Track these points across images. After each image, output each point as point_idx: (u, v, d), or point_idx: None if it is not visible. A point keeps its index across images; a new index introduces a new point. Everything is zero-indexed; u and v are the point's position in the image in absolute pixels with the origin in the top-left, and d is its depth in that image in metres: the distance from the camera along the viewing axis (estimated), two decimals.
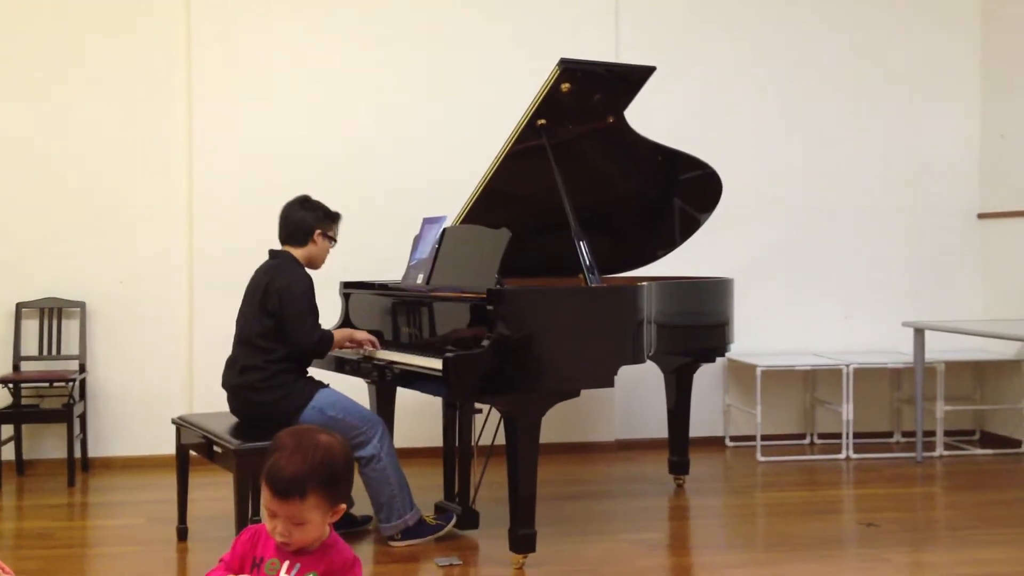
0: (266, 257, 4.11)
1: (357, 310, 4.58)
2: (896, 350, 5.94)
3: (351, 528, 4.20)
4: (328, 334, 4.01)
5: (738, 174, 5.50)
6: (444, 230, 4.32)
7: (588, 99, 4.26)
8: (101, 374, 5.50)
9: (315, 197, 4.15)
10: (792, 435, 6.08)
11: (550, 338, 3.69)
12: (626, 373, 4.00)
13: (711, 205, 4.82)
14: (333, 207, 4.16)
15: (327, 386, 4.02)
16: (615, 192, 4.76)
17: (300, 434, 2.00)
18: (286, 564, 1.97)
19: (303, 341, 3.90)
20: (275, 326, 3.90)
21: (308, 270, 4.04)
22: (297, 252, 4.05)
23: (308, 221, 4.05)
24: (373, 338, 4.18)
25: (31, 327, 5.41)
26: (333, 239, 4.14)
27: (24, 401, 5.20)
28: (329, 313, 4.58)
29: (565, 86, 4.09)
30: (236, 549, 2.04)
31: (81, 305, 5.43)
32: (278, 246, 4.10)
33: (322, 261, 4.14)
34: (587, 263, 4.02)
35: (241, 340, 4.00)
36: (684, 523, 4.62)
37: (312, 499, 1.93)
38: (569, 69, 4.03)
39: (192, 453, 4.13)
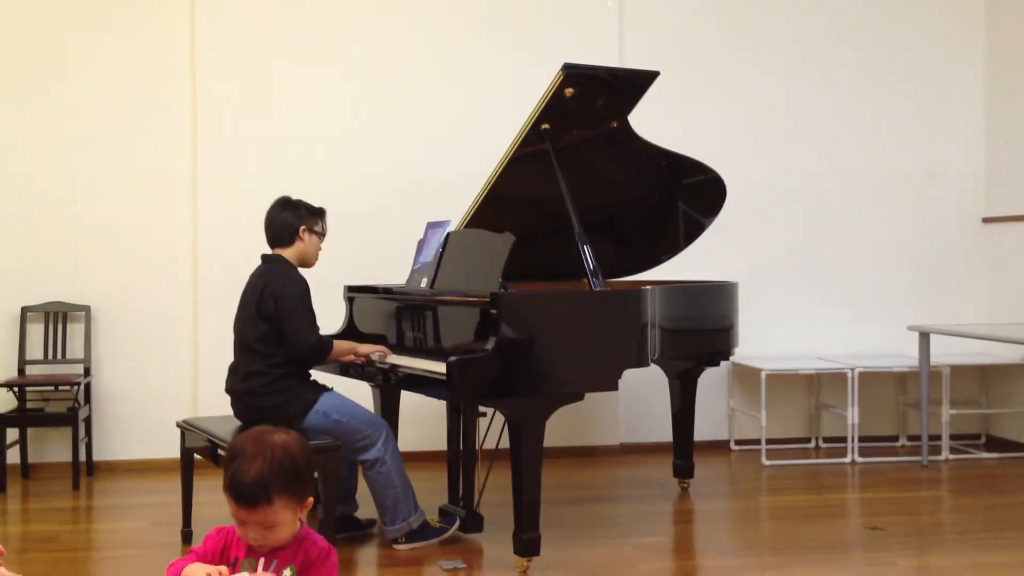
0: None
1: (361, 314, 4.58)
2: (901, 354, 5.93)
3: (355, 532, 4.21)
4: (327, 340, 3.97)
5: (742, 178, 5.50)
6: (448, 234, 4.32)
7: (592, 104, 4.26)
8: (106, 378, 5.51)
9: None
10: (797, 439, 6.07)
11: (553, 342, 3.69)
12: (630, 377, 4.00)
13: (715, 209, 4.81)
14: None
15: (331, 390, 4.01)
16: (619, 196, 4.76)
17: (256, 437, 1.97)
18: (262, 561, 1.96)
19: (299, 345, 3.86)
20: (272, 330, 3.87)
21: (303, 270, 4.01)
22: (287, 253, 4.02)
23: (290, 220, 4.02)
24: (380, 347, 4.13)
25: (36, 331, 5.43)
26: (320, 234, 4.10)
27: (29, 405, 5.23)
28: (334, 317, 4.58)
29: (569, 91, 4.09)
30: (207, 544, 2.03)
31: (86, 309, 5.44)
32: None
33: (314, 258, 4.11)
34: (591, 267, 4.02)
35: (241, 347, 3.99)
36: (689, 527, 4.61)
37: (279, 501, 1.91)
38: (573, 74, 4.03)
39: (196, 456, 4.14)
